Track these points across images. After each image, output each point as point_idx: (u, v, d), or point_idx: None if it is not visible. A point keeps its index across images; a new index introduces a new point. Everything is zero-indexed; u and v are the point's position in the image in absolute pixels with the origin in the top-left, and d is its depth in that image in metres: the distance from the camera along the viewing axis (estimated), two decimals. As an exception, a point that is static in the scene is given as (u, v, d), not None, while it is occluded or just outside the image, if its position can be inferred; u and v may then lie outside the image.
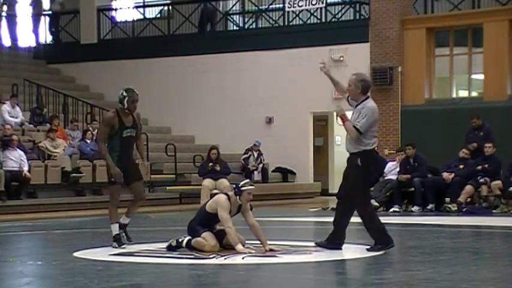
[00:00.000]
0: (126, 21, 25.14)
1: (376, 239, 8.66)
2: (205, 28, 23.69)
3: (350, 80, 9.05)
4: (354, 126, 8.88)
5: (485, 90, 20.18)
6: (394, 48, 20.81)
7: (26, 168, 16.42)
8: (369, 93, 9.12)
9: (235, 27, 24.30)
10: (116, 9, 25.68)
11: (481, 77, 20.44)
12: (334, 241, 8.92)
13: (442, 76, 21.03)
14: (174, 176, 20.23)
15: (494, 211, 15.31)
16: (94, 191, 18.16)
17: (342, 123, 9.01)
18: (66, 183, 17.62)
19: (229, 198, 8.84)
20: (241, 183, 8.92)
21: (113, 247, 9.22)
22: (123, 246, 9.26)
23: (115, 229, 9.35)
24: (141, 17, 25.17)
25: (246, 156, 21.05)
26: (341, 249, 8.82)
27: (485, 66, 20.11)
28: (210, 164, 18.02)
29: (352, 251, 9.33)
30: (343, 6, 22.61)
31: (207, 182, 17.76)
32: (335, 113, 9.22)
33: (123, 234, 9.41)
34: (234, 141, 21.82)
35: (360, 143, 8.84)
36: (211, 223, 8.93)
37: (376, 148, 9.14)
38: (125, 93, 9.41)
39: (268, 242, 8.90)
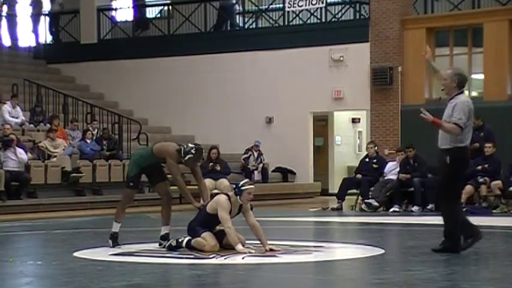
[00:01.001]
0: (126, 21, 25.14)
1: (466, 235, 8.34)
2: (225, 25, 23.55)
3: (445, 74, 8.77)
4: (455, 123, 8.44)
5: (485, 90, 20.18)
6: (394, 48, 20.82)
7: (25, 158, 16.39)
8: (463, 88, 8.79)
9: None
10: (115, 9, 25.68)
11: (481, 77, 20.44)
12: (455, 243, 8.40)
13: (442, 76, 20.99)
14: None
15: (494, 211, 15.31)
16: (94, 191, 18.16)
17: (435, 125, 8.47)
18: (66, 183, 17.61)
19: (229, 198, 8.84)
20: (241, 183, 8.92)
21: (109, 245, 9.26)
22: (118, 246, 9.27)
23: (116, 227, 9.37)
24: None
25: (246, 156, 21.05)
26: (458, 252, 8.33)
27: (485, 66, 20.10)
28: (210, 164, 18.01)
29: (352, 251, 9.34)
30: (343, 6, 22.60)
31: (207, 182, 17.70)
32: (425, 118, 8.61)
33: (165, 243, 9.22)
34: (234, 141, 21.82)
35: (453, 138, 8.44)
36: (212, 224, 8.93)
37: (468, 146, 8.59)
38: (193, 151, 9.17)
39: (268, 242, 8.89)
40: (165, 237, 9.30)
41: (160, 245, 9.29)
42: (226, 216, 8.71)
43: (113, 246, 9.26)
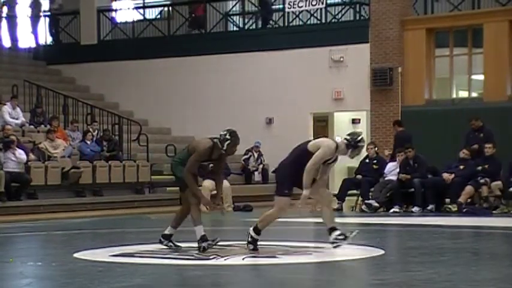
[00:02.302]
0: (126, 22, 25.15)
1: None
2: (267, 22, 23.42)
3: None
4: None
5: (485, 90, 20.19)
6: (394, 48, 20.82)
7: (23, 158, 16.39)
8: None
9: (235, 28, 24.31)
10: (115, 10, 25.69)
11: (481, 77, 20.44)
12: None
13: (442, 77, 21.03)
14: (174, 176, 20.21)
15: (494, 212, 15.31)
16: (94, 192, 18.17)
17: None
18: (66, 184, 17.62)
19: (337, 146, 8.76)
20: (359, 138, 8.75)
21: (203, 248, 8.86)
22: (213, 242, 8.91)
23: (201, 230, 8.97)
24: (141, 17, 25.18)
25: (246, 157, 21.05)
26: None
27: (485, 67, 20.11)
28: (210, 164, 18.00)
29: (352, 252, 9.34)
30: (343, 7, 22.61)
31: (207, 183, 17.73)
32: None
33: (170, 244, 9.19)
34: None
35: None
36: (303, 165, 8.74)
37: None
38: (228, 136, 8.98)
39: (270, 243, 8.89)
40: (167, 237, 9.23)
41: (161, 242, 9.23)
42: (320, 158, 8.71)
43: (208, 247, 8.81)
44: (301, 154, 8.84)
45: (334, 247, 8.78)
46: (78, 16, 24.90)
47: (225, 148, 8.99)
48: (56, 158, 17.75)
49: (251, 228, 8.96)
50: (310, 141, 9.03)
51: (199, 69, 23.10)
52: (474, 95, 20.95)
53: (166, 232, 9.30)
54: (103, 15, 24.94)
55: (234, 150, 9.16)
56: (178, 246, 9.23)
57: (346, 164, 22.78)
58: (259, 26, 23.86)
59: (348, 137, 8.84)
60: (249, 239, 8.91)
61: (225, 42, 23.20)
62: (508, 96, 19.70)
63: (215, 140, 9.02)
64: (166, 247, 9.17)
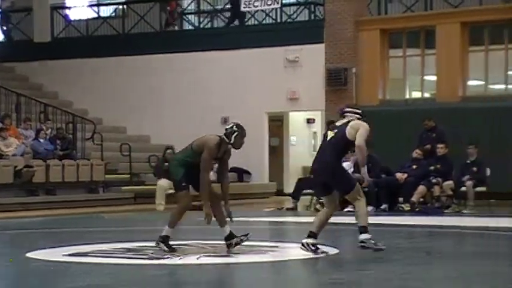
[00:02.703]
0: (80, 20, 24.93)
1: None
2: (233, 22, 23.29)
3: None
4: None
5: (438, 91, 20.44)
6: (348, 49, 20.97)
7: None
8: None
9: (190, 27, 24.25)
10: (69, 8, 25.45)
11: (434, 78, 20.69)
12: None
13: (396, 77, 21.25)
14: (129, 175, 20.13)
15: (446, 211, 15.52)
16: (47, 190, 17.99)
17: None
18: (19, 183, 17.41)
19: None
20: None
21: (162, 250, 8.75)
22: (173, 250, 8.77)
23: (168, 232, 8.88)
24: (96, 15, 24.98)
25: (201, 156, 20.98)
26: None
27: (437, 68, 20.36)
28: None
29: (306, 251, 9.39)
30: (298, 7, 22.71)
31: (163, 182, 17.68)
32: None
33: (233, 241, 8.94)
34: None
35: None
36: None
37: None
38: (235, 128, 8.99)
39: (214, 242, 8.90)
40: (230, 237, 8.94)
41: (230, 245, 8.87)
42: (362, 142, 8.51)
43: (168, 251, 8.70)
44: (342, 143, 8.43)
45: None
46: (31, 13, 24.60)
47: (232, 141, 8.94)
48: (8, 157, 17.53)
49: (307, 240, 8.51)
50: (344, 130, 8.46)
51: (154, 68, 23.01)
52: (427, 95, 21.19)
53: (226, 234, 8.97)
54: (57, 13, 24.68)
55: (241, 143, 9.09)
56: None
57: (301, 163, 22.93)
58: (216, 25, 23.86)
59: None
60: (311, 247, 8.46)
61: (181, 41, 23.14)
62: (460, 97, 19.97)
63: (221, 137, 8.97)
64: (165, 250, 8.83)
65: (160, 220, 15.23)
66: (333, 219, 14.19)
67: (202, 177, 8.78)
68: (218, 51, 22.55)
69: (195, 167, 8.81)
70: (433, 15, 20.64)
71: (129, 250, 9.09)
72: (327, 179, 8.40)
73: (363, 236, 8.24)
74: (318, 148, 8.86)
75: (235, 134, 8.91)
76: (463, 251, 9.28)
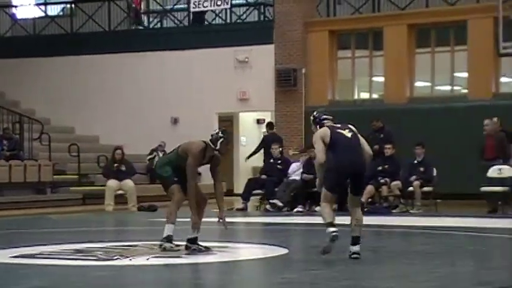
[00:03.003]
0: (27, 19, 24.61)
1: None
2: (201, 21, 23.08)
3: None
4: None
5: (386, 92, 20.67)
6: (298, 50, 21.09)
7: None
8: None
9: (139, 27, 24.13)
10: (16, 6, 25.11)
11: (382, 79, 20.93)
12: None
13: (345, 78, 21.44)
14: (77, 176, 19.94)
15: (393, 211, 15.70)
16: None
17: None
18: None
19: None
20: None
21: (171, 249, 8.70)
22: (176, 247, 8.74)
23: (170, 230, 8.81)
24: (43, 14, 24.69)
25: (151, 156, 20.91)
26: None
27: (385, 69, 20.59)
28: (115, 164, 17.85)
29: (256, 251, 9.44)
30: (247, 7, 22.77)
31: (112, 183, 17.58)
32: None
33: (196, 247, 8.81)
34: (139, 142, 21.65)
35: None
36: None
37: None
38: (221, 134, 8.91)
39: (175, 243, 8.88)
40: (193, 241, 8.85)
41: (189, 248, 8.80)
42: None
43: (172, 250, 8.68)
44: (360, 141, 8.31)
45: None
46: (-24, 11, 24.25)
47: (218, 147, 8.87)
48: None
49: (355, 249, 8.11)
50: (357, 134, 8.38)
51: (104, 67, 22.83)
52: (375, 96, 21.43)
53: (190, 236, 8.87)
54: (3, 11, 24.33)
55: (227, 149, 9.08)
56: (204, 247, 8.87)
57: (251, 164, 22.96)
58: (165, 25, 23.79)
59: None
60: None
61: (130, 40, 23.01)
62: (407, 98, 20.23)
63: (206, 142, 8.91)
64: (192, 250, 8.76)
65: (109, 221, 15.16)
66: (282, 220, 14.29)
67: (189, 186, 8.82)
68: (168, 52, 22.48)
69: (181, 169, 8.86)
70: (381, 17, 20.88)
71: (77, 251, 9.02)
72: (361, 180, 8.34)
73: (357, 248, 8.04)
74: (340, 144, 8.13)
75: (221, 140, 8.87)
76: (410, 250, 9.41)
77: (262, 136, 19.83)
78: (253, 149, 19.76)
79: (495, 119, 15.95)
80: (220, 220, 9.04)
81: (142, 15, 24.18)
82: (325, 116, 8.43)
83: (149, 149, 20.99)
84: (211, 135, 8.95)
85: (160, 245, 8.78)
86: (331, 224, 8.01)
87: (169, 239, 8.77)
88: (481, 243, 9.76)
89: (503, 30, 16.61)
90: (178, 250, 8.72)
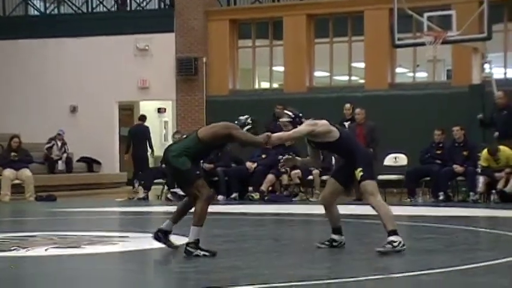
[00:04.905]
0: None
1: None
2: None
3: None
4: None
5: (286, 82, 20.90)
6: (198, 38, 21.07)
7: None
8: None
9: (36, 12, 23.59)
10: None
11: (282, 69, 21.15)
12: None
13: (246, 67, 21.57)
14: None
15: (294, 199, 15.94)
16: None
17: None
18: None
19: None
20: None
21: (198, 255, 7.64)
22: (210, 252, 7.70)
23: (198, 233, 7.74)
24: None
25: (49, 145, 20.53)
26: None
27: (285, 59, 20.82)
28: (12, 153, 17.44)
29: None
30: (148, -5, 22.59)
31: (8, 172, 17.20)
32: None
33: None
34: (36, 130, 21.20)
35: None
36: None
37: None
38: (249, 121, 7.94)
39: (75, 234, 8.79)
40: (166, 233, 8.00)
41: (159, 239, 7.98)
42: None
43: (210, 254, 7.64)
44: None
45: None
46: None
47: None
48: None
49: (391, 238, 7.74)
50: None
51: (0, 54, 22.26)
52: (275, 85, 21.64)
53: (164, 227, 7.99)
54: None
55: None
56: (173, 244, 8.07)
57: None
58: (62, 11, 23.34)
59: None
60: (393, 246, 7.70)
61: (26, 26, 22.47)
62: (307, 88, 20.52)
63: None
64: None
65: (5, 211, 14.82)
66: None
67: (248, 139, 7.87)
68: (66, 38, 22.08)
69: (196, 158, 7.90)
70: (280, 6, 21.08)
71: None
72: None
73: (394, 238, 7.70)
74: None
75: (248, 127, 7.90)
76: (310, 238, 9.59)
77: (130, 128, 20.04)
78: (154, 139, 19.72)
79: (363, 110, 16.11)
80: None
81: (39, 0, 23.64)
82: (300, 114, 8.13)
83: (47, 138, 20.61)
84: (239, 119, 7.96)
85: (189, 251, 7.63)
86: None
87: (198, 244, 7.67)
88: (379, 230, 10.02)
89: (398, 21, 17.01)
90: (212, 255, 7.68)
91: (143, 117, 19.63)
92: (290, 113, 8.15)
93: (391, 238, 7.67)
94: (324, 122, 8.01)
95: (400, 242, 7.66)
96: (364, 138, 15.62)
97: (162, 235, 7.98)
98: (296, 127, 7.98)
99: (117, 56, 21.69)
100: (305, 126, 7.93)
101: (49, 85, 22.03)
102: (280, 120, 8.08)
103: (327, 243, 8.17)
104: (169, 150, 7.88)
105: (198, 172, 7.88)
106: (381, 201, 7.96)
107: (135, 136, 19.07)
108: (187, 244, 7.62)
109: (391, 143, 16.34)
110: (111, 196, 18.07)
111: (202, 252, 7.59)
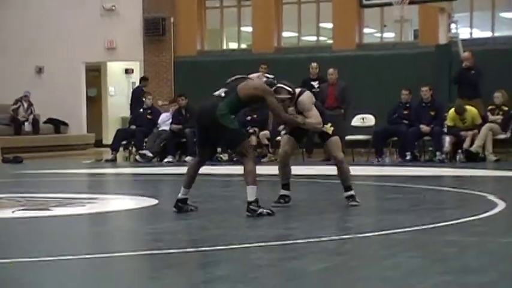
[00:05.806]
0: None
1: None
2: None
3: None
4: None
5: (254, 42, 20.83)
6: (166, -2, 20.88)
7: None
8: None
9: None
10: None
11: (250, 29, 21.06)
12: None
13: (214, 28, 21.44)
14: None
15: (262, 160, 15.96)
16: None
17: None
18: None
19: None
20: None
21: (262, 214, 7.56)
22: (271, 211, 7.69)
23: (255, 193, 7.73)
24: None
25: (15, 106, 20.36)
26: None
27: (253, 20, 20.72)
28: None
29: (126, 202, 9.44)
30: (114, -47, 22.28)
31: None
32: None
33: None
34: (2, 91, 20.99)
35: None
36: None
37: None
38: (275, 81, 8.04)
39: (43, 196, 8.75)
40: (183, 201, 7.92)
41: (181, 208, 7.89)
42: None
43: (272, 212, 7.63)
44: None
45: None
46: None
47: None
48: None
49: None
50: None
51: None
52: (244, 46, 21.56)
53: (180, 196, 7.93)
54: None
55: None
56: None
57: (120, 114, 22.75)
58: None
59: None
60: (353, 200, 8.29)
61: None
62: (275, 48, 20.47)
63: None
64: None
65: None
66: (152, 171, 14.32)
67: (284, 118, 8.15)
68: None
69: (234, 115, 7.95)
70: (249, -34, 20.91)
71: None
72: None
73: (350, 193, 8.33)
74: None
75: (275, 88, 7.97)
76: (276, 198, 9.64)
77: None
78: (122, 100, 19.58)
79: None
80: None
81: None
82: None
83: (13, 99, 20.40)
84: (267, 77, 8.01)
85: (252, 210, 7.56)
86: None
87: (258, 202, 7.66)
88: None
89: (366, -18, 17.00)
90: (272, 214, 7.62)
91: (143, 79, 19.30)
92: (289, 89, 8.27)
93: (352, 192, 8.32)
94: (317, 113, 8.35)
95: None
96: (336, 99, 15.67)
97: (182, 204, 7.94)
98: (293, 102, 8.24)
99: (83, 16, 21.44)
100: (319, 124, 8.29)
101: (14, 46, 21.75)
102: (279, 96, 8.07)
103: (281, 201, 8.34)
104: (215, 108, 7.76)
105: (245, 130, 7.85)
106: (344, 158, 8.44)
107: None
108: (250, 203, 7.62)
109: (358, 104, 16.40)
110: (79, 158, 17.98)
111: (265, 211, 7.59)
